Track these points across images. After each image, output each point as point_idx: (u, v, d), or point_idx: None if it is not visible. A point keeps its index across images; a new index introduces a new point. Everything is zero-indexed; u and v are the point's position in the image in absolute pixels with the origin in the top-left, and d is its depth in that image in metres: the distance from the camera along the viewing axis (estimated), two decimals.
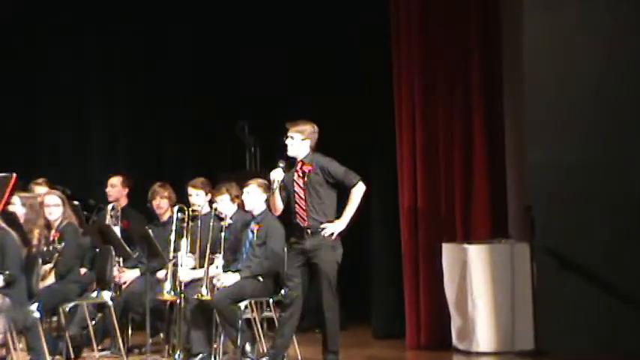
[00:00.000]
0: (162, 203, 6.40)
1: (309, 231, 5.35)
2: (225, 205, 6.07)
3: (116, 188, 6.61)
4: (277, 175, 5.37)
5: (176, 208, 6.08)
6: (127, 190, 6.67)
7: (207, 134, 7.72)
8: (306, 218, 5.36)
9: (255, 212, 5.97)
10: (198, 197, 6.21)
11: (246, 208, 6.00)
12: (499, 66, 6.07)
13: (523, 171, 5.96)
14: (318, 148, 5.49)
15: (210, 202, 6.18)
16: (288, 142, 5.40)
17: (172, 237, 5.98)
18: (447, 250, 6.11)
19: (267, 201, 5.76)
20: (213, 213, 6.06)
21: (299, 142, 5.42)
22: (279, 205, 5.42)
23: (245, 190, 5.94)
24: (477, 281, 5.90)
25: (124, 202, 6.68)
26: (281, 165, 5.38)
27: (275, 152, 5.61)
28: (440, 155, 6.26)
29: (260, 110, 7.36)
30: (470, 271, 5.88)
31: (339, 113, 6.30)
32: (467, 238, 6.14)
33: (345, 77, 6.85)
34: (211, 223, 5.91)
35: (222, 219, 6.03)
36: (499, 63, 6.07)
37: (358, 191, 5.39)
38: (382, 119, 6.49)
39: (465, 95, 6.17)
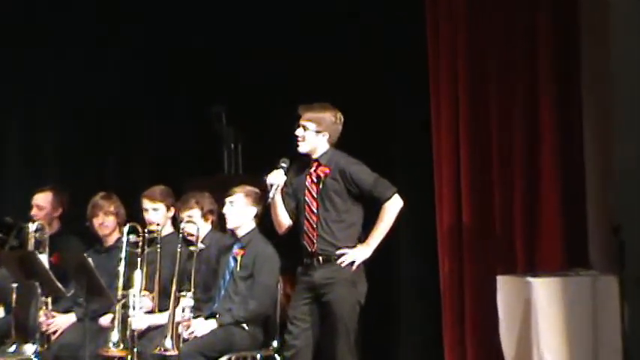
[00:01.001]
0: (106, 221, 6.37)
1: (320, 258, 5.29)
2: (196, 224, 6.03)
3: (44, 211, 6.55)
4: (277, 178, 5.28)
5: (126, 229, 6.06)
6: (59, 212, 6.60)
7: (168, 125, 7.72)
8: (315, 240, 5.31)
9: (240, 232, 5.92)
10: (156, 213, 6.20)
11: (228, 227, 5.96)
12: (575, 46, 6.06)
13: (609, 181, 5.84)
14: (339, 146, 5.45)
15: (174, 220, 6.21)
16: (298, 132, 5.31)
17: (121, 268, 5.97)
18: (504, 285, 5.97)
19: (257, 217, 5.82)
20: (178, 235, 6.03)
21: (314, 134, 5.32)
22: (283, 220, 5.37)
23: (227, 200, 5.88)
24: (546, 326, 5.72)
25: (56, 226, 6.61)
26: (283, 165, 5.29)
27: (266, 150, 5.69)
28: (493, 161, 6.28)
29: (244, 92, 7.39)
30: (536, 313, 5.72)
31: (354, 105, 5.97)
32: (531, 269, 6.06)
33: (365, 57, 6.86)
34: (177, 249, 5.88)
35: (190, 243, 6.01)
36: (575, 42, 6.06)
37: (393, 208, 5.33)
38: (413, 115, 6.58)
39: (529, 87, 6.19)
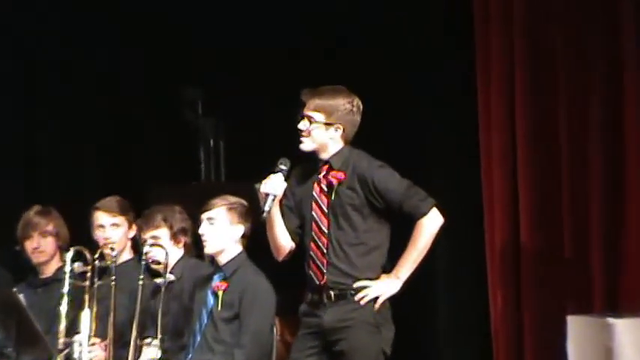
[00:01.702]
0: (43, 245, 6.33)
1: (331, 293, 5.21)
2: (163, 248, 6.02)
3: None
4: (275, 185, 5.22)
5: (69, 255, 5.98)
6: None
7: (124, 116, 7.74)
8: (325, 269, 5.23)
9: (222, 259, 5.86)
10: (116, 230, 6.21)
11: (206, 252, 5.92)
12: None
13: None
14: (357, 144, 5.38)
15: (135, 242, 6.21)
16: (302, 125, 5.25)
17: (64, 307, 5.92)
18: (576, 326, 5.87)
19: (245, 238, 5.79)
20: (139, 262, 5.98)
21: (323, 128, 5.24)
22: (283, 242, 5.34)
23: (204, 217, 5.84)
24: None
25: None
26: (282, 167, 5.23)
27: (256, 149, 5.82)
28: (562, 168, 6.30)
29: (226, 73, 7.38)
30: None
31: (375, 93, 5.85)
32: (612, 308, 6.09)
33: (391, 31, 6.95)
34: (139, 282, 5.86)
35: (157, 273, 5.98)
36: None
37: (430, 226, 5.24)
38: (452, 106, 6.62)
39: (608, 72, 6.19)
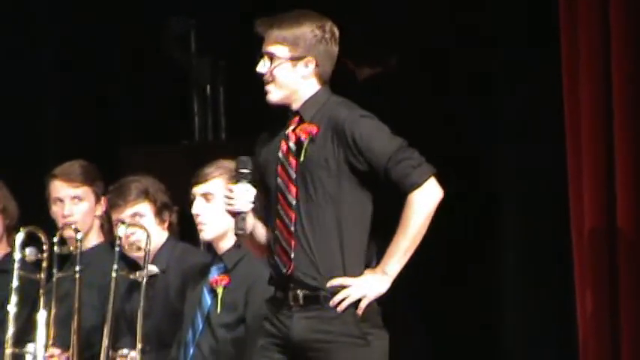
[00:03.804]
0: None
1: (299, 294, 5.04)
2: (144, 230, 5.96)
3: None
4: (241, 200, 5.06)
5: (19, 237, 5.97)
6: None
7: (91, 52, 7.63)
8: (293, 252, 5.06)
9: (221, 246, 5.79)
10: (78, 205, 6.18)
11: (202, 238, 5.86)
12: None
13: None
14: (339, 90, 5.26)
15: (109, 223, 6.14)
16: (261, 68, 5.15)
17: (12, 307, 5.92)
18: None
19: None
20: (112, 249, 5.96)
21: (288, 66, 5.14)
22: (261, 236, 5.20)
23: (197, 191, 5.76)
24: None
25: None
26: (243, 171, 5.12)
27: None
28: None
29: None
30: None
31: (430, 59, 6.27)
32: None
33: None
34: (112, 274, 5.81)
35: (135, 265, 5.94)
36: None
37: (424, 203, 5.07)
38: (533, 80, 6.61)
39: None
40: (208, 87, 7.57)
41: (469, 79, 7.16)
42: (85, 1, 7.71)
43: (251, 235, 5.23)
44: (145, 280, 5.76)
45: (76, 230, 5.90)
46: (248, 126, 6.30)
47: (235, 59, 7.36)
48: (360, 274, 5.07)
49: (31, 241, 5.93)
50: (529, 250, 6.61)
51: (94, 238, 6.08)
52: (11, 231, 6.17)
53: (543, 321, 6.60)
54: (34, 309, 5.88)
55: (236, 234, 5.18)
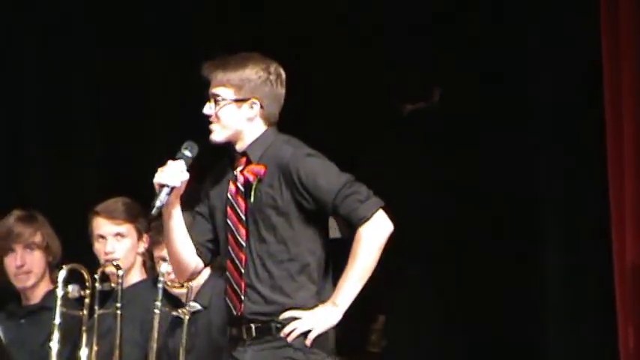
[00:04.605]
0: (29, 261, 6.30)
1: (252, 326, 5.13)
2: None
3: None
4: (172, 174, 5.14)
5: (62, 274, 5.92)
6: None
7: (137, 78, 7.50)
8: (243, 294, 5.15)
9: None
10: (121, 243, 6.18)
11: None
12: None
13: None
14: (293, 130, 5.33)
15: (151, 260, 6.18)
16: (207, 110, 5.22)
17: (54, 344, 5.88)
18: None
19: None
20: (155, 285, 5.93)
21: (233, 107, 5.21)
22: (183, 256, 5.25)
23: None
24: None
25: None
26: (186, 153, 5.18)
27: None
28: None
29: None
30: None
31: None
32: None
33: None
34: (155, 311, 5.83)
35: (178, 302, 5.93)
36: None
37: (374, 236, 5.14)
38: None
39: None
40: None
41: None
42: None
43: (166, 228, 5.20)
44: (187, 316, 5.79)
45: (118, 267, 5.94)
46: None
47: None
48: (313, 307, 5.13)
49: (73, 277, 5.94)
50: (569, 286, 6.55)
51: (137, 275, 6.13)
52: (54, 268, 6.17)
53: (585, 355, 6.51)
54: (77, 346, 5.91)
55: (152, 206, 5.13)
